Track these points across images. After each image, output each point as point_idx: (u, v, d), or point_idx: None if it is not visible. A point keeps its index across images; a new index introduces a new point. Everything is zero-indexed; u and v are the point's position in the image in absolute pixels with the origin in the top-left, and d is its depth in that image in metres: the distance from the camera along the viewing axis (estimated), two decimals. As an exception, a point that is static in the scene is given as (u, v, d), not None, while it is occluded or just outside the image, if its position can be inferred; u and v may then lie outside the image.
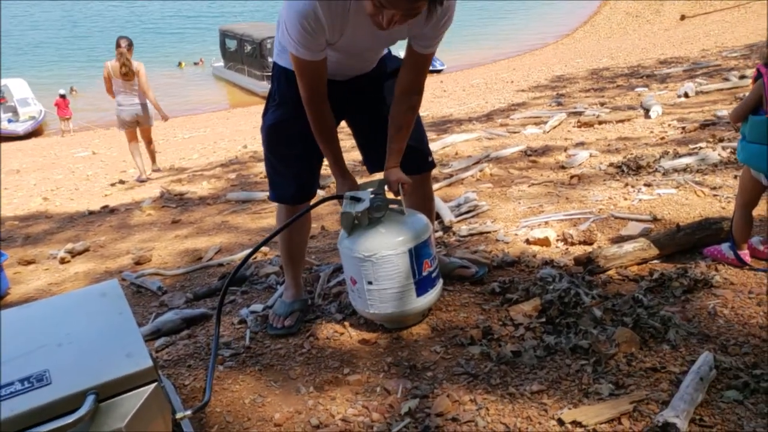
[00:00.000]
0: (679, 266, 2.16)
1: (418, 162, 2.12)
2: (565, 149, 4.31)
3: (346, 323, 2.06)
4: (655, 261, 2.27)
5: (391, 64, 2.05)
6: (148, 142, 6.68)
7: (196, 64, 20.66)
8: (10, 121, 16.39)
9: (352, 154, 4.45)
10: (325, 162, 2.04)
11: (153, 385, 1.16)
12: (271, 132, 2.04)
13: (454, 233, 2.86)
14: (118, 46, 6.04)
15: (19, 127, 16.08)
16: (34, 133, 16.34)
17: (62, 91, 16.18)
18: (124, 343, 1.21)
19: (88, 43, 25.58)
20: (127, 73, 6.05)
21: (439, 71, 19.78)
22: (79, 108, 17.74)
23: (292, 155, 2.05)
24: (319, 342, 1.96)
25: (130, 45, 6.12)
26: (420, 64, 1.87)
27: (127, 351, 1.18)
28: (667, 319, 1.81)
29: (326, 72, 1.78)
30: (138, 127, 6.42)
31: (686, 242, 2.30)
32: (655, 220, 2.63)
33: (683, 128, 4.31)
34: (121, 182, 6.53)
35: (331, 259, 2.72)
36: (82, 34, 26.88)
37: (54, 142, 14.15)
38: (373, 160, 2.17)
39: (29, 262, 3.40)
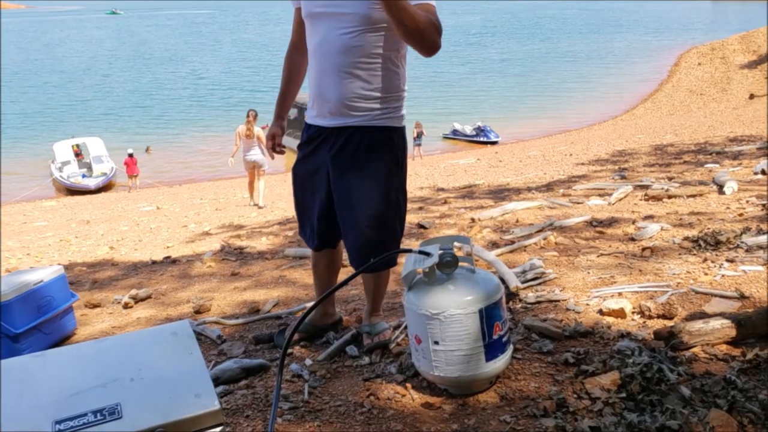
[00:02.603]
0: (776, 347, 1.97)
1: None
2: (634, 221, 4.15)
3: (408, 385, 1.96)
4: (746, 341, 2.08)
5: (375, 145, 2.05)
6: (258, 178, 9.62)
7: (263, 128, 21.83)
8: (83, 176, 17.48)
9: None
10: None
11: (218, 429, 1.11)
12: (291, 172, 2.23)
13: (520, 300, 2.74)
14: (247, 116, 9.22)
15: (91, 182, 17.09)
16: (105, 188, 17.29)
17: (130, 151, 17.15)
18: (193, 383, 1.17)
19: (156, 111, 27.68)
20: (249, 135, 9.20)
21: (494, 143, 19.89)
22: (151, 167, 18.71)
23: (299, 198, 2.22)
24: (380, 402, 1.87)
25: (256, 116, 9.32)
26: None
27: (196, 391, 1.14)
28: (768, 403, 1.63)
29: (302, 25, 2.08)
30: (255, 169, 9.51)
31: (781, 322, 2.11)
32: (742, 297, 2.44)
33: (764, 205, 4.09)
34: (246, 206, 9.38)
35: (389, 318, 2.64)
36: (152, 103, 29.24)
37: (121, 197, 14.88)
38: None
39: (95, 306, 3.48)
